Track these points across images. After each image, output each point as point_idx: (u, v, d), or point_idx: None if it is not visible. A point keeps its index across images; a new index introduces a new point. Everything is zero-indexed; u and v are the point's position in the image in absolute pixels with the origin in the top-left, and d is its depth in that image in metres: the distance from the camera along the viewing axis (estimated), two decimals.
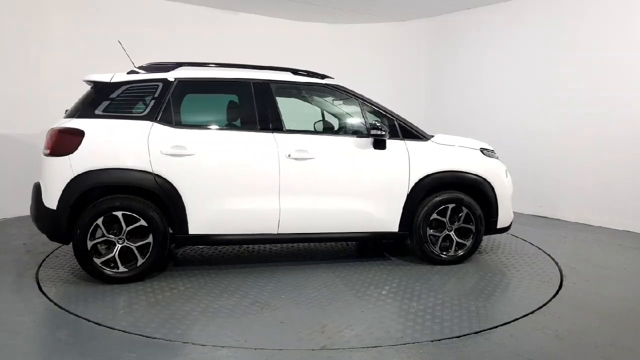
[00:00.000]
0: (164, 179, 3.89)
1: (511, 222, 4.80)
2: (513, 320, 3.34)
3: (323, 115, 4.96)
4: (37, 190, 3.94)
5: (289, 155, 4.12)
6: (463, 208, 4.50)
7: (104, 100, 3.96)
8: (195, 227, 4.00)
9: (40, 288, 3.80)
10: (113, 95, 3.98)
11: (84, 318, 3.25)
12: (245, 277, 4.14)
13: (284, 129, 4.22)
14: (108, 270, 3.87)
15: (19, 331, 3.07)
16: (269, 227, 4.17)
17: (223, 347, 2.90)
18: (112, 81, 4.01)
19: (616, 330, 3.24)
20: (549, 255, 4.98)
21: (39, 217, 3.91)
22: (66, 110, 4.13)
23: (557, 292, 3.91)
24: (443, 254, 4.52)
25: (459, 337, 3.09)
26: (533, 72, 7.00)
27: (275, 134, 4.16)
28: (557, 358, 2.85)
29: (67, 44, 6.52)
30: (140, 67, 4.22)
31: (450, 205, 4.48)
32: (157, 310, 3.42)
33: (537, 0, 6.96)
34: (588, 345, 3.00)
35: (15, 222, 5.96)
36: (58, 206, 3.77)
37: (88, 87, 4.19)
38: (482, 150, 4.75)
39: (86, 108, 3.93)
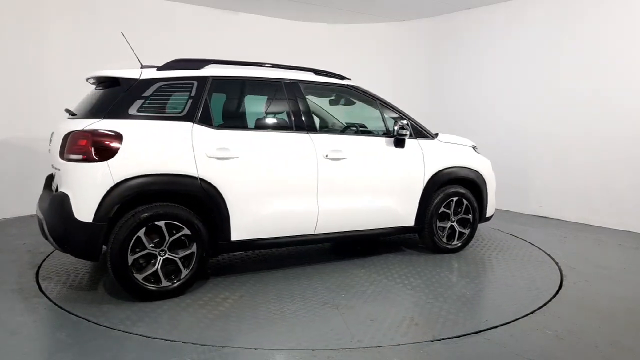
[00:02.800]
0: (209, 184, 3.63)
1: (494, 212, 5.35)
2: (513, 320, 3.34)
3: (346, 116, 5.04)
4: (62, 202, 3.36)
5: (326, 156, 4.15)
6: (464, 200, 4.92)
7: (136, 99, 3.57)
8: (238, 232, 3.81)
9: (40, 288, 3.80)
10: (146, 94, 3.61)
11: (84, 318, 3.25)
12: (288, 280, 4.07)
13: (317, 129, 4.25)
14: (151, 286, 3.51)
15: (19, 331, 3.07)
16: (307, 227, 4.15)
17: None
18: (142, 78, 3.65)
19: (616, 330, 3.24)
20: (549, 255, 4.98)
21: (67, 233, 3.37)
22: (67, 110, 3.93)
23: (557, 292, 3.91)
24: (449, 244, 4.91)
25: (459, 337, 3.09)
26: (533, 72, 7.00)
27: (310, 134, 4.16)
28: (557, 358, 2.85)
29: (67, 44, 6.52)
30: (167, 64, 3.88)
31: (455, 199, 4.87)
32: (235, 322, 3.26)
33: (537, 0, 6.96)
34: (588, 345, 3.00)
35: (15, 222, 5.96)
36: (95, 219, 3.33)
37: (91, 86, 4.07)
38: (473, 147, 5.24)
39: (117, 107, 3.52)
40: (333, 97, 4.83)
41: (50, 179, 4.16)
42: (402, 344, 2.97)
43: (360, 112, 4.90)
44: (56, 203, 3.41)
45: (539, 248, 5.23)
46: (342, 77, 4.69)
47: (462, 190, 4.90)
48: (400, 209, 4.60)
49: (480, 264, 4.66)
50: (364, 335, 3.09)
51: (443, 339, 3.06)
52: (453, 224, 4.91)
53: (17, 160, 6.22)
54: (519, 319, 3.37)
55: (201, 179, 3.61)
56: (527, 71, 7.08)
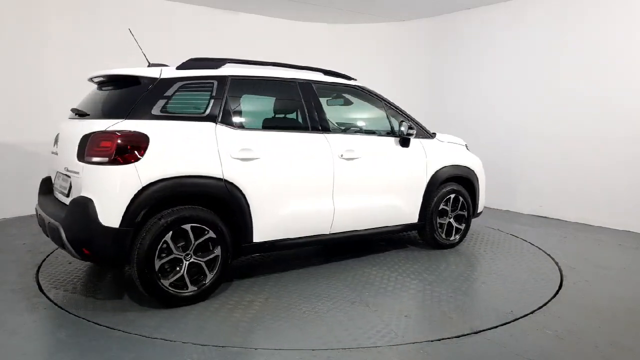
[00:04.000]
0: (233, 185, 3.58)
1: (483, 208, 5.58)
2: (513, 320, 3.34)
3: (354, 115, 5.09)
4: (86, 207, 3.17)
5: (341, 156, 4.19)
6: (460, 197, 5.12)
7: (159, 98, 3.44)
8: (260, 234, 3.77)
9: (40, 288, 3.79)
10: (168, 93, 3.49)
11: (84, 318, 3.25)
12: (306, 281, 4.08)
13: (331, 130, 4.28)
14: (177, 292, 3.40)
15: (19, 331, 3.07)
16: (323, 227, 4.18)
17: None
18: (162, 77, 3.53)
19: (616, 330, 3.24)
20: (549, 255, 4.98)
21: (92, 239, 3.20)
22: (75, 110, 3.80)
23: (557, 292, 3.91)
24: (447, 239, 5.10)
25: (458, 337, 3.09)
26: (533, 72, 7.00)
27: (325, 134, 4.18)
28: (557, 358, 2.85)
29: (67, 44, 6.52)
30: (186, 63, 3.77)
31: (452, 196, 5.05)
32: (272, 323, 3.23)
33: (537, 0, 6.96)
34: (588, 345, 3.00)
35: (15, 222, 5.96)
36: (122, 223, 3.19)
37: (92, 86, 4.00)
38: (466, 146, 5.42)
39: (139, 107, 3.38)
40: (331, 98, 4.84)
41: (47, 182, 4.05)
42: (402, 344, 2.97)
43: (364, 112, 4.94)
44: (79, 208, 3.20)
45: (539, 248, 5.24)
46: (349, 78, 4.73)
47: (458, 188, 5.09)
48: (406, 207, 4.73)
49: (479, 264, 4.67)
50: (405, 330, 3.18)
51: (443, 339, 3.06)
52: (450, 220, 5.08)
53: (17, 160, 6.22)
54: (519, 319, 3.37)
55: (226, 181, 3.55)
56: (527, 71, 7.08)
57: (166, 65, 3.79)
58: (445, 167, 4.95)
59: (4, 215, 6.16)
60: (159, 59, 4.55)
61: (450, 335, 3.11)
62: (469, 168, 5.20)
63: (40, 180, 4.12)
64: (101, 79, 3.82)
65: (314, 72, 4.48)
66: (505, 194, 7.41)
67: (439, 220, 4.98)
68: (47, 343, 3.01)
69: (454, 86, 8.10)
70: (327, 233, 4.21)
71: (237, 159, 3.61)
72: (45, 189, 4.04)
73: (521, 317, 3.40)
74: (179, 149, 3.41)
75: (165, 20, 7.27)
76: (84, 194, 3.22)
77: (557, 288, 4.01)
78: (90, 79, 3.95)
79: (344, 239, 4.42)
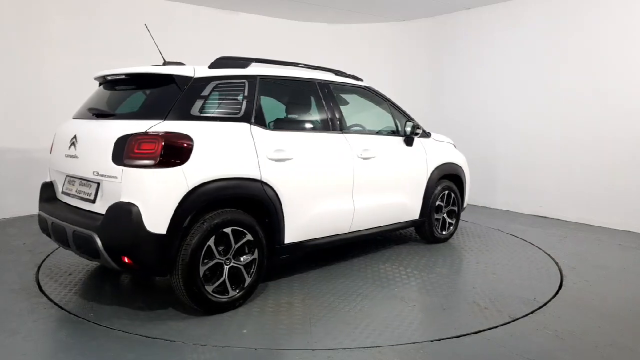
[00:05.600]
0: (269, 186, 3.54)
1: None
2: (513, 320, 3.34)
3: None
4: (128, 213, 2.98)
5: (360, 155, 4.26)
6: (452, 194, 5.36)
7: (196, 98, 3.33)
8: (290, 235, 3.74)
9: (40, 288, 3.79)
10: (204, 93, 3.38)
11: (84, 318, 3.25)
12: (329, 280, 4.12)
13: (348, 130, 4.33)
14: (219, 298, 3.30)
15: (19, 331, 3.07)
16: (344, 227, 4.23)
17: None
18: (197, 76, 3.40)
19: (616, 330, 3.24)
20: (549, 255, 4.98)
21: (137, 248, 3.02)
22: (94, 109, 3.59)
23: (557, 292, 3.91)
24: (441, 234, 5.34)
25: (458, 337, 3.09)
26: (533, 72, 7.00)
27: (345, 134, 4.24)
28: (557, 358, 2.85)
29: (67, 44, 6.52)
30: (217, 61, 3.67)
31: (446, 192, 5.26)
32: (326, 324, 3.24)
33: (537, 0, 6.96)
34: (588, 345, 3.01)
35: (15, 222, 5.96)
36: (169, 229, 3.04)
37: (95, 85, 3.90)
38: (454, 144, 5.61)
39: (178, 108, 3.24)
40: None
41: (49, 187, 3.79)
42: (402, 344, 2.97)
43: (373, 112, 5.00)
44: (121, 215, 3.00)
45: (539, 248, 5.24)
46: (357, 78, 4.79)
47: (450, 184, 5.33)
48: (411, 204, 4.91)
49: (479, 264, 4.66)
50: (458, 322, 3.31)
51: (443, 339, 3.06)
52: (444, 215, 5.31)
53: (17, 160, 6.22)
54: (519, 319, 3.38)
55: (262, 182, 3.50)
56: (527, 71, 7.07)
57: (182, 64, 3.71)
58: (441, 164, 5.16)
59: (4, 215, 6.16)
60: (158, 58, 4.55)
61: (449, 335, 3.11)
62: (458, 165, 5.44)
63: (41, 184, 3.89)
64: (121, 77, 3.61)
65: (326, 72, 4.50)
66: (505, 193, 7.40)
67: (435, 216, 5.19)
68: (47, 343, 3.01)
69: (454, 86, 8.10)
70: (347, 232, 4.27)
71: (272, 159, 3.58)
72: (49, 195, 3.79)
73: (521, 317, 3.40)
74: (221, 150, 3.34)
75: (165, 20, 7.27)
76: (125, 199, 3.02)
77: (557, 288, 4.01)
78: (103, 77, 3.74)
79: (361, 237, 4.51)
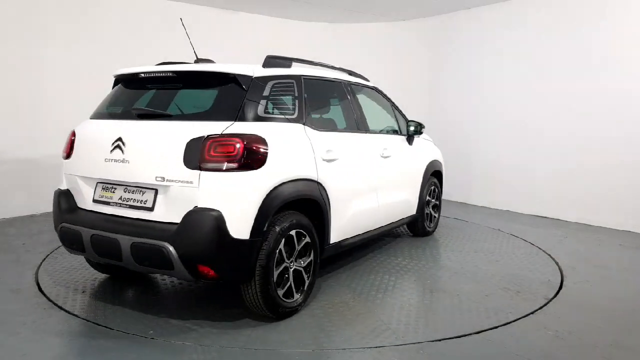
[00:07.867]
0: (323, 187, 3.51)
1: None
2: (513, 320, 3.34)
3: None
4: (211, 219, 2.83)
5: (382, 154, 4.42)
6: (436, 189, 5.68)
7: (260, 99, 3.23)
8: (334, 235, 3.71)
9: (40, 288, 3.79)
10: (265, 93, 3.29)
11: (84, 318, 3.25)
12: (360, 277, 4.19)
13: (370, 130, 4.40)
14: (286, 301, 3.24)
15: (19, 331, 3.07)
16: (371, 224, 4.34)
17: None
18: (256, 76, 3.27)
19: (616, 330, 3.24)
20: (549, 255, 4.98)
21: (218, 255, 2.88)
22: (139, 109, 3.34)
23: (557, 292, 3.91)
24: (429, 227, 5.63)
25: (459, 337, 3.09)
26: (533, 72, 6.99)
27: (369, 134, 4.36)
28: (557, 358, 2.85)
29: (68, 44, 6.51)
30: (267, 61, 3.55)
31: (432, 187, 5.57)
32: (391, 320, 3.30)
33: (537, 0, 6.96)
34: (588, 345, 3.00)
35: (15, 222, 5.96)
36: (252, 234, 2.94)
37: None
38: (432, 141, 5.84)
39: (246, 109, 3.11)
40: None
41: (67, 196, 3.44)
42: (402, 344, 2.97)
43: (381, 112, 5.03)
44: (202, 222, 2.83)
45: (539, 248, 5.23)
46: (365, 79, 4.87)
47: (434, 180, 5.63)
48: (412, 200, 5.16)
49: (479, 264, 4.66)
50: (505, 307, 3.56)
51: (443, 339, 3.06)
52: (430, 209, 5.60)
53: (17, 160, 6.22)
54: (519, 319, 3.38)
55: (318, 182, 3.48)
56: (527, 71, 7.07)
57: (212, 61, 3.60)
58: (431, 161, 5.45)
59: (4, 215, 6.16)
60: (160, 58, 4.55)
61: (449, 335, 3.10)
62: (440, 162, 5.75)
63: (55, 193, 3.54)
64: (164, 75, 3.35)
65: (340, 72, 4.50)
66: (506, 193, 7.40)
67: (425, 210, 5.46)
68: (47, 343, 3.01)
69: (454, 86, 8.09)
70: (371, 229, 4.36)
71: (325, 160, 3.58)
72: (71, 204, 3.42)
73: (521, 317, 3.40)
74: (290, 151, 3.30)
75: (165, 20, 7.26)
76: (204, 205, 2.85)
77: (557, 288, 4.01)
78: (147, 74, 3.39)
79: (380, 234, 4.65)
